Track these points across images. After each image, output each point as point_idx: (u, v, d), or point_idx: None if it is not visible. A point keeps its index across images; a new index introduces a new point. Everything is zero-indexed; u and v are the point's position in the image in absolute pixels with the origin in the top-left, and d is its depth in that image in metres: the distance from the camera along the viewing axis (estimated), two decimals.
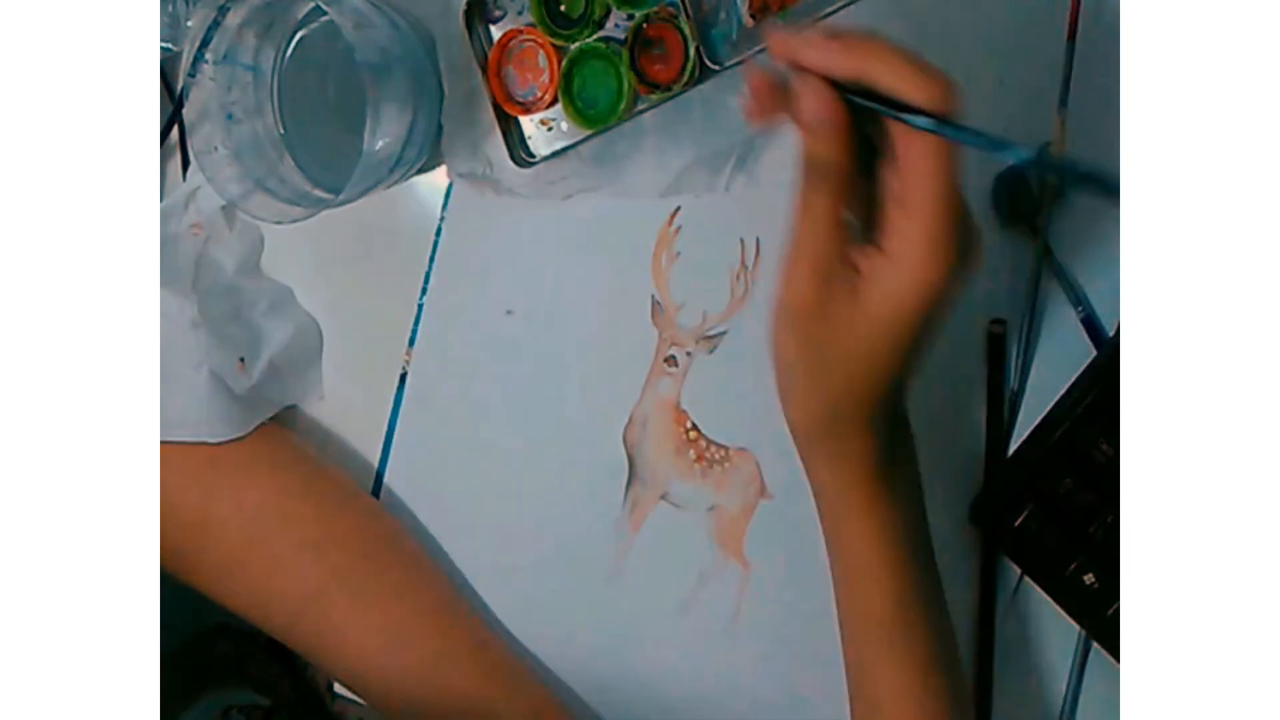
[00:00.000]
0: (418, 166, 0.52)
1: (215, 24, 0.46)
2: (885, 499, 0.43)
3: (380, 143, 0.46)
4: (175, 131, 0.54)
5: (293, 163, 0.50)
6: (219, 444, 0.49)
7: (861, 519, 0.43)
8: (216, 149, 0.47)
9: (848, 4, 0.49)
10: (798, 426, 0.44)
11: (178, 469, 0.49)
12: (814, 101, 0.37)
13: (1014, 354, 0.51)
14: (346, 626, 0.49)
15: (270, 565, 0.49)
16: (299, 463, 0.52)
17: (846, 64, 0.36)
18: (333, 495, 0.52)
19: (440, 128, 0.50)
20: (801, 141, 0.39)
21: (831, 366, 0.41)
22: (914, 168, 0.36)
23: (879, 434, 0.42)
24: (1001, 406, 0.51)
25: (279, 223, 0.46)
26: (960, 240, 0.37)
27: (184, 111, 0.47)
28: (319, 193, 0.49)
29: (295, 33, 0.51)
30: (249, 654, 0.56)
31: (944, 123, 0.35)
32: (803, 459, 0.45)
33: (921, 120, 0.35)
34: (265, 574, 0.49)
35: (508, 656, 0.52)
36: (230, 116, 0.48)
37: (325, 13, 0.50)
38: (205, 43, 0.46)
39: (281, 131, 0.50)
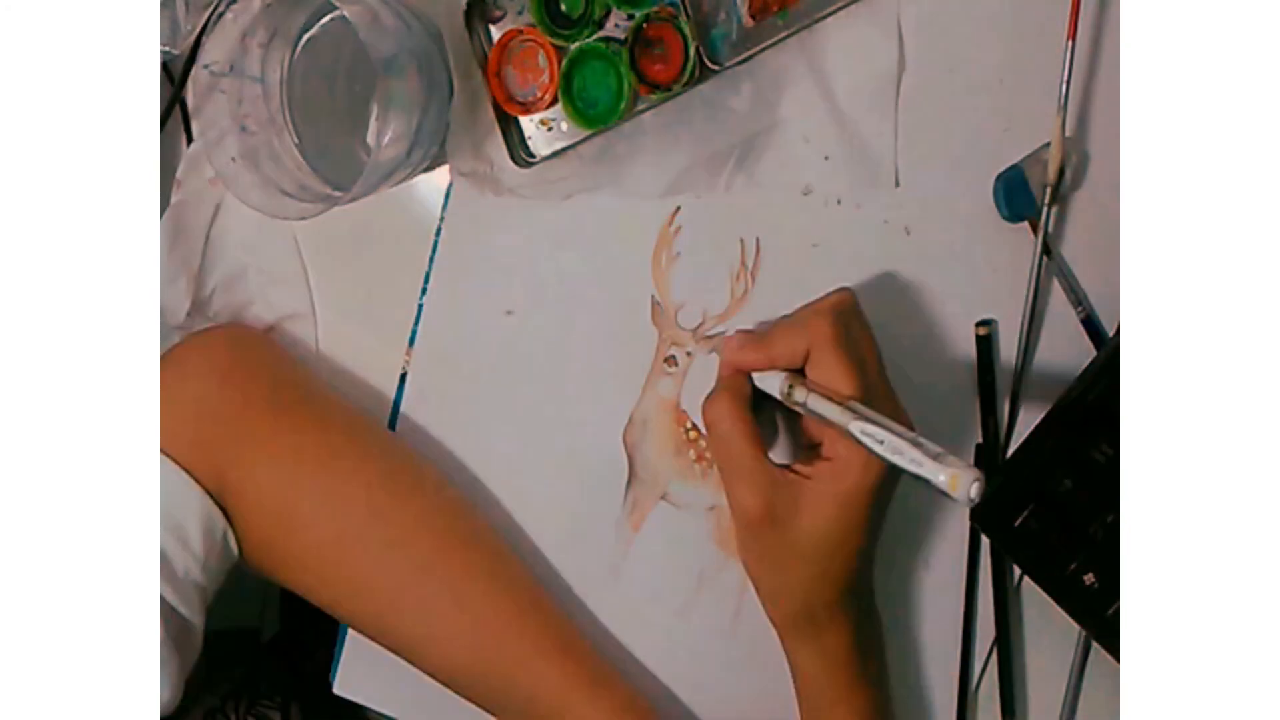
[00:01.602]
0: (426, 163, 0.52)
1: (215, 21, 0.46)
2: (862, 684, 0.47)
3: (390, 139, 0.46)
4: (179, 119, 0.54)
5: (309, 168, 0.50)
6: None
7: (839, 704, 0.47)
8: (234, 160, 0.48)
9: (848, 4, 0.49)
10: (777, 623, 0.48)
11: (263, 462, 0.48)
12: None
13: (1014, 354, 0.51)
14: (434, 622, 0.49)
15: (360, 559, 0.49)
16: (387, 455, 0.51)
17: (757, 357, 0.46)
18: (422, 488, 0.51)
19: (448, 126, 0.51)
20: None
21: (796, 567, 0.45)
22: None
23: (852, 618, 0.47)
24: (993, 407, 0.51)
25: (300, 219, 0.47)
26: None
27: (198, 125, 0.47)
28: (333, 191, 0.50)
29: (300, 38, 0.51)
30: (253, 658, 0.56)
31: (815, 414, 0.43)
32: (785, 650, 0.48)
33: (801, 406, 0.44)
34: (354, 568, 0.49)
35: (595, 658, 0.51)
36: (244, 128, 0.49)
37: (328, 16, 0.50)
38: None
39: (296, 141, 0.50)
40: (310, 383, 0.52)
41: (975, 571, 0.52)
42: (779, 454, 0.49)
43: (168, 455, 0.46)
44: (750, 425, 0.45)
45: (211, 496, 0.47)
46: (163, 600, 0.44)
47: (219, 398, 0.48)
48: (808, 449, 0.47)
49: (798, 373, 0.45)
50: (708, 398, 0.46)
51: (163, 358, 0.49)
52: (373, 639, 0.50)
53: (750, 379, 0.46)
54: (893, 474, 0.43)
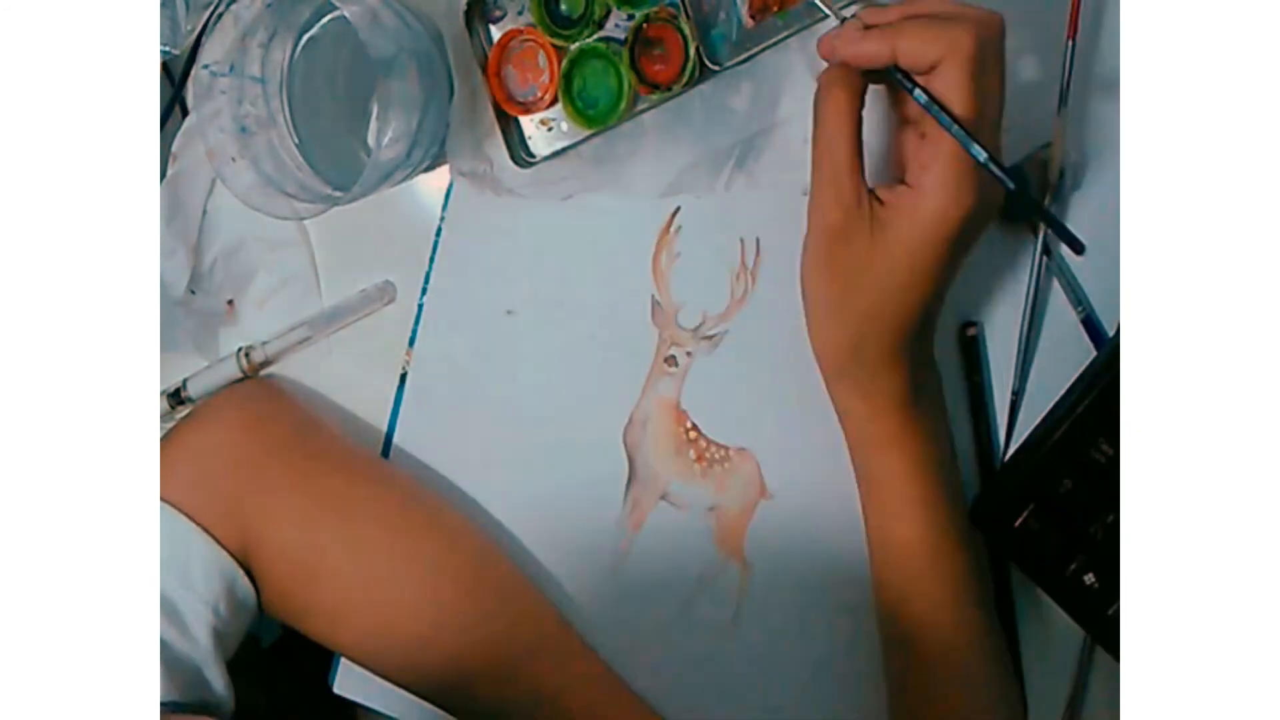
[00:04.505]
0: (426, 163, 0.52)
1: (215, 21, 0.46)
2: (913, 430, 0.44)
3: (390, 139, 0.46)
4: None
5: (310, 168, 0.50)
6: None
7: (889, 449, 0.44)
8: (234, 160, 0.48)
9: (847, 4, 0.49)
10: (825, 356, 0.45)
11: (285, 512, 0.48)
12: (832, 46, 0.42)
13: (1014, 354, 0.51)
14: (461, 664, 0.48)
15: (383, 605, 0.48)
16: (408, 501, 0.51)
17: (878, 51, 0.40)
18: (442, 530, 0.51)
19: (448, 125, 0.51)
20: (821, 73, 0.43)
21: (858, 295, 0.42)
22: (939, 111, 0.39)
23: (905, 367, 0.43)
24: (984, 407, 0.51)
25: (300, 219, 0.47)
26: (980, 178, 0.39)
27: (200, 129, 0.47)
28: (333, 191, 0.50)
29: (300, 38, 0.51)
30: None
31: (936, 105, 0.39)
32: (830, 390, 0.45)
33: (919, 96, 0.39)
34: (378, 614, 0.48)
35: (621, 687, 0.51)
36: (244, 129, 0.49)
37: (328, 15, 0.50)
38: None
39: (296, 141, 0.50)
40: (329, 432, 0.53)
41: (1008, 580, 0.52)
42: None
43: (185, 512, 0.46)
44: (857, 131, 0.41)
45: (228, 550, 0.47)
46: (173, 650, 0.44)
47: (242, 450, 0.48)
48: (895, 177, 0.43)
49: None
50: (821, 85, 0.42)
51: (185, 414, 0.49)
52: (396, 683, 0.50)
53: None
54: (977, 218, 0.40)
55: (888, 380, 0.43)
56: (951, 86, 0.39)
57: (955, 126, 0.39)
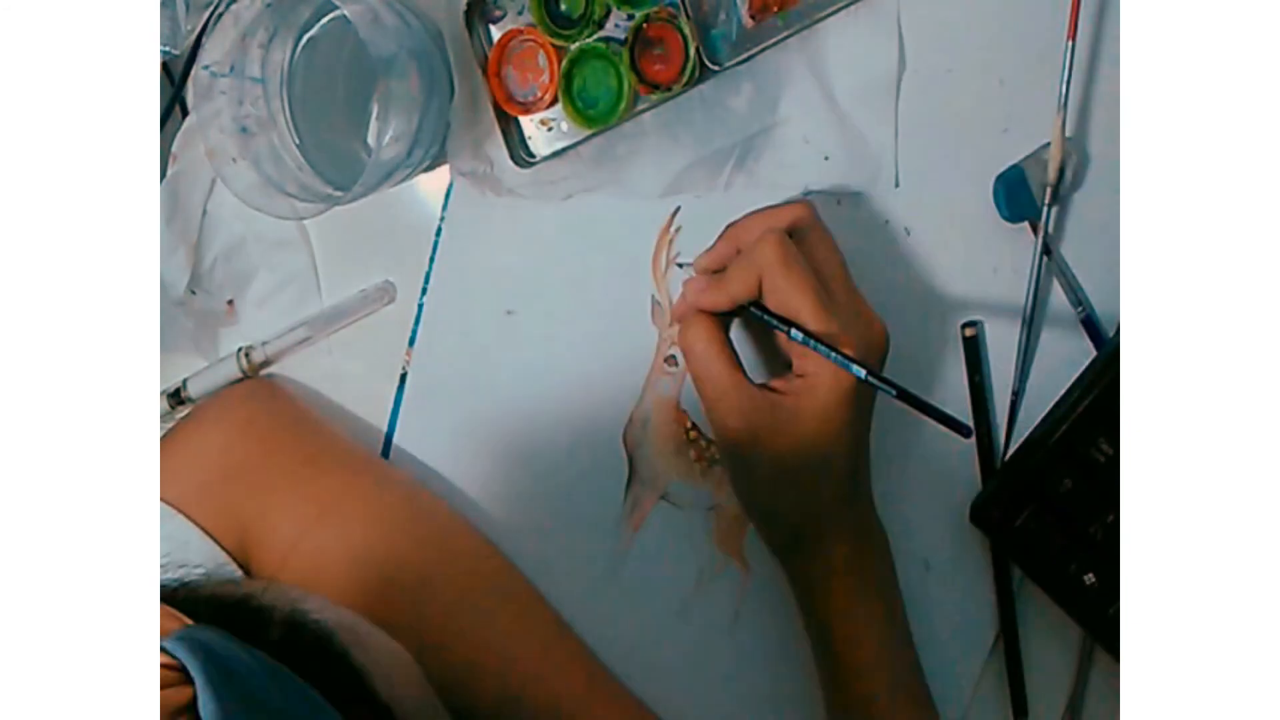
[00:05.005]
0: (426, 163, 0.52)
1: (215, 21, 0.46)
2: (867, 594, 0.46)
3: (390, 139, 0.46)
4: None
5: (310, 168, 0.50)
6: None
7: (842, 617, 0.46)
8: (234, 160, 0.48)
9: (848, 4, 0.49)
10: (772, 546, 0.48)
11: (286, 513, 0.48)
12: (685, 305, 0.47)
13: (1014, 354, 0.51)
14: (462, 664, 0.48)
15: (385, 606, 0.47)
16: (410, 501, 0.51)
17: (717, 300, 0.45)
18: (444, 532, 0.51)
19: (448, 125, 0.51)
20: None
21: (784, 486, 0.45)
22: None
23: (850, 534, 0.46)
24: (985, 407, 0.51)
25: (301, 219, 0.47)
26: (861, 341, 0.43)
27: (200, 129, 0.47)
28: (334, 191, 0.50)
29: (300, 38, 0.51)
30: None
31: (810, 337, 0.43)
32: (786, 571, 0.48)
33: (795, 334, 0.43)
34: (380, 615, 0.47)
35: (620, 692, 0.52)
36: (244, 129, 0.49)
37: (328, 15, 0.50)
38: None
39: (297, 141, 0.50)
40: (329, 432, 0.53)
41: (1008, 581, 0.51)
42: (756, 373, 0.47)
43: (184, 512, 0.46)
44: (725, 347, 0.45)
45: (227, 549, 0.47)
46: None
47: (241, 450, 0.48)
48: (784, 365, 0.47)
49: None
50: (684, 322, 0.46)
51: (185, 414, 0.49)
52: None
53: None
54: (866, 385, 0.43)
55: (835, 548, 0.46)
56: (779, 289, 0.43)
57: (812, 341, 0.42)
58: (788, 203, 0.45)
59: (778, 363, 0.49)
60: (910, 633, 0.48)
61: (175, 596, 0.32)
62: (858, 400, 0.44)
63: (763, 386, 0.45)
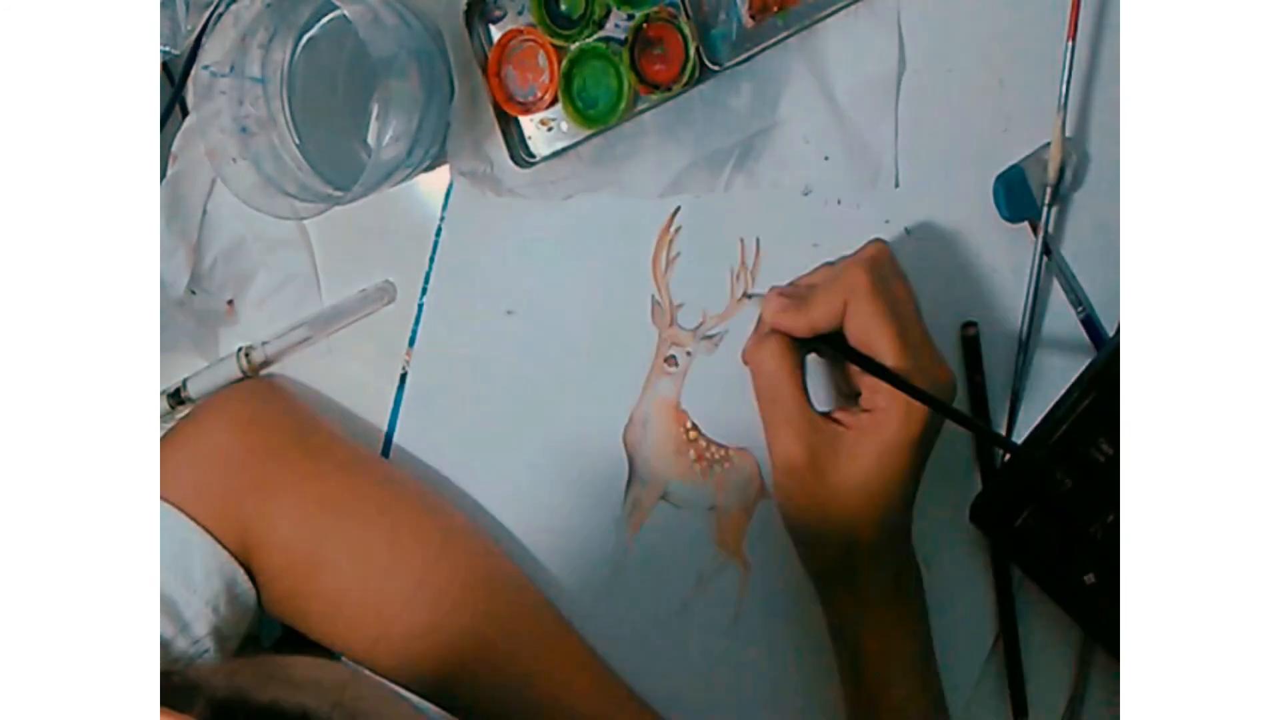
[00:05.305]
0: (426, 163, 0.52)
1: (215, 21, 0.46)
2: (902, 628, 0.46)
3: (391, 139, 0.46)
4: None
5: (310, 168, 0.50)
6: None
7: (879, 649, 0.46)
8: (235, 160, 0.48)
9: (848, 4, 0.49)
10: (814, 571, 0.48)
11: (286, 511, 0.48)
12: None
13: (1014, 354, 0.51)
14: (462, 664, 0.48)
15: (384, 605, 0.48)
16: (409, 500, 0.51)
17: (794, 323, 0.45)
18: (444, 531, 0.51)
19: (448, 125, 0.51)
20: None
21: (835, 515, 0.45)
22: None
23: (891, 566, 0.46)
24: (984, 407, 0.51)
25: (301, 219, 0.47)
26: (931, 384, 0.43)
27: (200, 129, 0.47)
28: (334, 191, 0.50)
29: (300, 38, 0.51)
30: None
31: (865, 362, 0.44)
32: (822, 598, 0.48)
33: (855, 362, 0.44)
34: (379, 614, 0.48)
35: (625, 691, 0.52)
36: (245, 129, 0.49)
37: (328, 15, 0.50)
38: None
39: (297, 141, 0.50)
40: (329, 431, 0.52)
41: (1009, 581, 0.51)
42: (819, 400, 0.47)
43: (185, 512, 0.46)
44: (796, 370, 0.45)
45: (228, 549, 0.47)
46: (173, 650, 0.44)
47: (242, 448, 0.48)
48: (848, 397, 0.47)
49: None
50: (752, 340, 0.46)
51: (185, 414, 0.49)
52: (395, 682, 0.49)
53: None
54: (933, 426, 0.44)
55: (876, 581, 0.46)
56: (864, 315, 0.43)
57: (886, 372, 0.43)
58: (864, 247, 0.45)
59: (839, 394, 0.49)
60: (938, 668, 0.48)
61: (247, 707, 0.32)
62: (923, 444, 0.44)
63: (825, 415, 0.45)
